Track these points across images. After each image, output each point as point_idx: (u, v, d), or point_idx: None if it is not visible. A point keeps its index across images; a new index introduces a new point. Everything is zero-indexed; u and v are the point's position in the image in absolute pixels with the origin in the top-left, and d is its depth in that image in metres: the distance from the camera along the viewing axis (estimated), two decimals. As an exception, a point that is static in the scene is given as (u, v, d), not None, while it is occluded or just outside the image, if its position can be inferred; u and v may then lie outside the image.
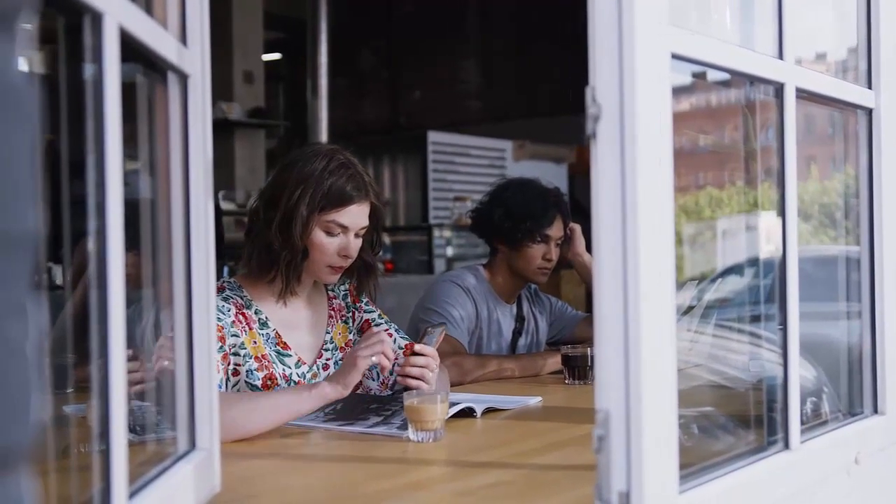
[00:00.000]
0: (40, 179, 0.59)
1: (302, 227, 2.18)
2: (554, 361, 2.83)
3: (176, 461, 1.31)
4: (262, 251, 2.23)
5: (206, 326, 1.39)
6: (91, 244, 1.00)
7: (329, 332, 2.37)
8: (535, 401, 2.36)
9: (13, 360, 0.55)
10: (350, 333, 2.41)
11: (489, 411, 2.19)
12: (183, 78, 1.34)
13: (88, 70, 1.00)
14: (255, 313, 2.25)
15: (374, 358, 2.01)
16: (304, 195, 2.17)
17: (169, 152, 1.34)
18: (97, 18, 0.99)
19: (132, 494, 1.08)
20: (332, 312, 2.40)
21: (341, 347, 2.38)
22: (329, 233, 2.22)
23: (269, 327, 2.25)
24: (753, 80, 1.55)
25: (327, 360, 2.34)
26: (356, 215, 2.23)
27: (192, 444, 1.37)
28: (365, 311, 2.45)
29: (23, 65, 0.59)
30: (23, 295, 0.56)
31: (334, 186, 2.19)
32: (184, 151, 1.36)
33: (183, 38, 1.35)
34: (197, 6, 1.38)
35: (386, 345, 2.04)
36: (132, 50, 1.11)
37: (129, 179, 1.07)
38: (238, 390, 2.16)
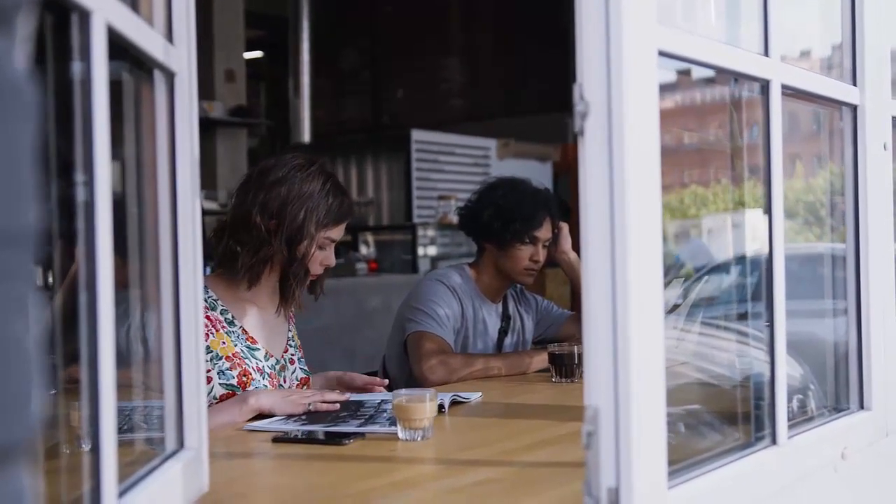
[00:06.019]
0: (38, 176, 0.59)
1: (308, 245, 2.26)
2: (540, 359, 2.83)
3: (164, 460, 1.30)
4: (260, 262, 2.26)
5: (193, 326, 1.38)
6: (79, 245, 0.99)
7: (291, 331, 2.47)
8: (475, 396, 2.37)
9: (16, 356, 0.55)
10: (297, 339, 2.53)
11: (455, 404, 2.24)
12: (170, 76, 1.34)
13: (76, 68, 0.99)
14: (221, 313, 2.29)
15: (311, 406, 2.13)
16: (310, 215, 2.25)
17: (155, 151, 1.34)
18: (85, 16, 0.98)
19: (121, 493, 1.07)
20: (290, 313, 2.48)
21: (299, 346, 2.49)
22: (322, 247, 2.31)
23: (235, 325, 2.30)
24: (740, 76, 1.56)
25: (291, 355, 2.44)
26: (343, 230, 2.36)
27: (181, 444, 1.36)
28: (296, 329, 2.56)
29: (22, 62, 0.59)
30: (24, 291, 0.57)
31: (334, 206, 2.29)
32: (170, 150, 1.35)
33: (169, 36, 1.34)
34: (183, 3, 1.37)
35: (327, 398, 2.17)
36: (118, 48, 1.10)
37: (114, 179, 1.06)
38: (214, 397, 2.17)
